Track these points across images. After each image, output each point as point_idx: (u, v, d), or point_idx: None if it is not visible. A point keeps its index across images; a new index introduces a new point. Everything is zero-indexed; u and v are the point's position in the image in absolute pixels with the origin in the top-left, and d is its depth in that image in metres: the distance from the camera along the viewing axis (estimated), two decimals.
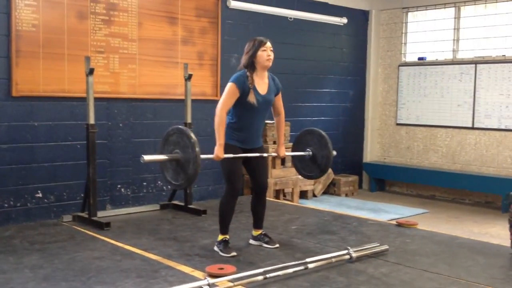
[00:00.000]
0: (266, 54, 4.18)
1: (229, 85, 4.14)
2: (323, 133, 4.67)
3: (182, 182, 3.91)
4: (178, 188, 3.88)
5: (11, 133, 5.26)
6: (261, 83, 4.23)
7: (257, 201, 4.46)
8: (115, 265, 3.96)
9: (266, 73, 4.29)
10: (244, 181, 6.36)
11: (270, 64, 4.23)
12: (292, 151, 4.85)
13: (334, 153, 4.68)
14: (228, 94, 4.12)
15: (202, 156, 3.89)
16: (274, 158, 7.03)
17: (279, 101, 4.45)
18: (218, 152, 4.06)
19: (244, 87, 4.13)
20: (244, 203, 5.71)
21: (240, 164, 4.26)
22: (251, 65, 4.20)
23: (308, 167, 4.76)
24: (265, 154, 4.40)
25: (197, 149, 3.78)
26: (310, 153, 4.68)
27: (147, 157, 3.90)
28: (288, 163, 7.34)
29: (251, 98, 4.14)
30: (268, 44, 4.22)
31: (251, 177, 4.43)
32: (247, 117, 4.20)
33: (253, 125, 4.26)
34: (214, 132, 4.26)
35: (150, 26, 6.14)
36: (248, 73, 4.18)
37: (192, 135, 3.86)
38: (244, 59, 4.24)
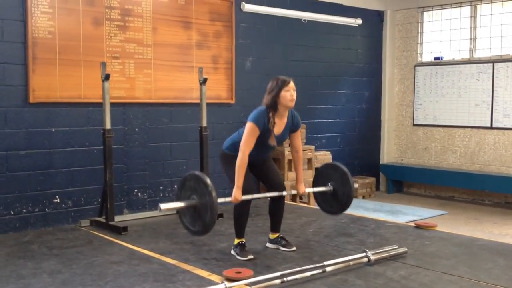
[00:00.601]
0: (289, 94, 4.13)
1: (250, 125, 4.09)
2: (345, 168, 4.56)
3: (199, 229, 3.86)
4: (196, 235, 3.86)
5: (28, 139, 5.31)
6: (279, 123, 4.22)
7: (276, 203, 4.44)
8: (132, 270, 3.97)
9: (287, 112, 4.25)
10: (257, 182, 6.34)
11: (293, 104, 4.19)
12: (313, 184, 4.75)
13: (356, 185, 4.63)
14: (250, 135, 4.09)
15: (220, 199, 3.87)
16: (290, 160, 7.01)
17: (297, 138, 4.43)
18: (236, 194, 4.05)
19: (264, 127, 4.12)
20: (261, 206, 5.71)
21: (248, 171, 4.22)
22: (274, 105, 4.16)
23: (329, 202, 4.66)
24: (284, 193, 4.38)
25: (214, 196, 3.74)
26: (331, 188, 4.58)
27: (164, 206, 3.81)
28: (305, 166, 7.31)
29: (272, 141, 4.21)
30: (291, 84, 4.17)
31: (266, 182, 4.41)
32: (257, 150, 4.18)
33: (262, 154, 4.27)
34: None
35: (164, 31, 6.17)
36: (270, 114, 4.14)
37: (209, 181, 3.81)
38: (266, 99, 4.17)
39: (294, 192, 4.55)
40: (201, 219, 3.82)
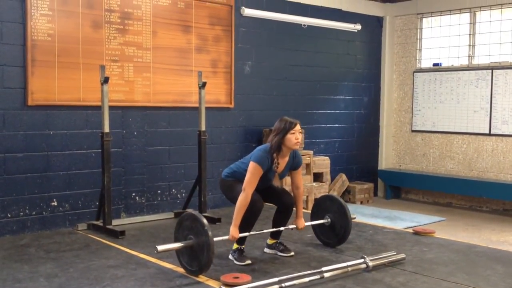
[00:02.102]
0: (295, 137, 4.15)
1: (254, 166, 4.09)
2: (343, 201, 4.66)
3: (197, 269, 3.86)
4: (194, 274, 3.86)
5: (26, 142, 5.29)
6: (281, 162, 4.24)
7: (282, 216, 4.46)
8: (129, 274, 3.95)
9: (290, 152, 4.27)
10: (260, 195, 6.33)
11: (298, 147, 4.24)
12: (312, 216, 4.81)
13: (354, 217, 4.71)
14: (254, 175, 4.09)
15: (217, 238, 3.90)
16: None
17: (298, 175, 4.45)
18: (234, 232, 4.06)
19: (267, 167, 4.14)
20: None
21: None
22: (278, 147, 4.17)
23: (327, 234, 4.72)
24: (282, 228, 4.42)
25: (210, 236, 3.74)
26: (329, 220, 4.64)
27: (161, 248, 3.82)
28: (303, 171, 7.30)
29: (272, 178, 4.26)
30: (298, 126, 4.18)
31: (274, 201, 4.43)
32: (258, 184, 4.17)
33: (260, 186, 4.24)
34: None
35: (164, 35, 6.17)
36: (274, 154, 4.15)
37: (205, 221, 3.82)
38: (272, 140, 4.17)
39: (293, 226, 4.52)
40: (199, 259, 3.82)
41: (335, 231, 4.64)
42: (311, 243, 4.85)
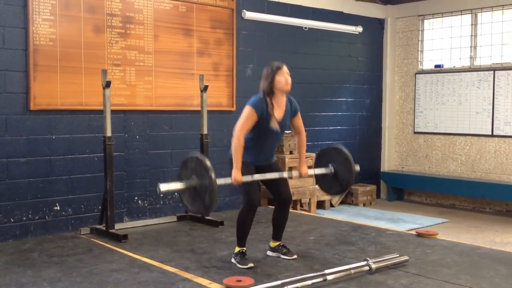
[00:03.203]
0: (284, 78, 4.19)
1: (247, 109, 4.13)
2: (345, 149, 4.62)
3: (198, 209, 3.89)
4: (195, 213, 3.87)
5: (29, 147, 5.30)
6: (278, 109, 4.24)
7: (280, 213, 4.43)
8: (132, 278, 3.95)
9: (284, 97, 4.28)
10: (260, 192, 6.33)
11: (289, 88, 4.24)
12: (315, 167, 4.76)
13: (357, 168, 4.63)
14: (246, 118, 4.11)
15: (220, 180, 3.89)
16: (290, 168, 7.00)
17: (298, 120, 4.45)
18: (236, 175, 4.05)
19: (262, 112, 4.13)
20: (261, 214, 5.69)
21: (254, 172, 4.22)
22: (270, 91, 4.20)
23: (330, 183, 4.69)
24: (285, 175, 4.38)
25: (213, 179, 3.75)
26: (332, 169, 4.61)
27: (163, 187, 3.86)
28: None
29: (274, 125, 4.19)
30: (285, 68, 4.23)
31: (274, 192, 4.41)
32: (261, 139, 4.21)
33: (267, 146, 4.27)
34: (229, 142, 4.27)
35: (166, 39, 6.18)
36: (267, 99, 4.18)
37: (209, 164, 3.83)
38: (263, 85, 4.24)
39: (296, 174, 4.50)
40: (201, 200, 3.84)
41: (338, 179, 4.59)
42: (314, 246, 4.85)
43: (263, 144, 4.25)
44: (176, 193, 6.27)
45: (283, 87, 4.19)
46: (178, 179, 4.02)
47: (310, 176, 4.69)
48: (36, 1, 5.25)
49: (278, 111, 4.23)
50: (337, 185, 4.64)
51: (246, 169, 4.14)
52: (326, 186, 4.74)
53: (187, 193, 3.96)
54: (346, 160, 4.55)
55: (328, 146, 4.87)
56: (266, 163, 4.32)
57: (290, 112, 4.34)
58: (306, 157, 4.58)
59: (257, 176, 4.19)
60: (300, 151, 4.51)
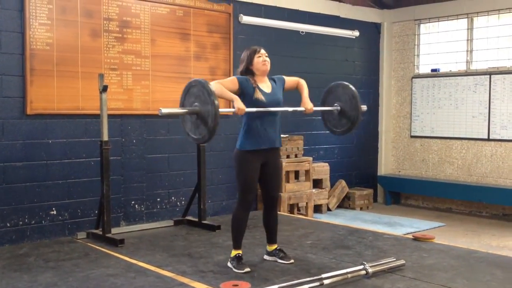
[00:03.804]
0: (262, 59, 4.24)
1: (232, 77, 4.27)
2: (351, 86, 4.62)
3: (200, 136, 3.90)
4: (196, 142, 3.82)
5: (25, 151, 5.30)
6: (264, 85, 4.29)
7: (269, 214, 4.42)
8: (129, 283, 3.94)
9: (266, 78, 4.33)
10: (256, 194, 6.33)
11: (267, 68, 4.28)
12: (321, 105, 4.75)
13: (364, 108, 4.60)
14: (227, 80, 4.22)
15: (222, 109, 3.87)
16: (287, 172, 7.00)
17: (290, 80, 4.49)
18: (238, 104, 4.03)
19: (247, 85, 4.18)
20: (258, 218, 5.67)
21: (258, 171, 4.22)
22: (250, 72, 4.26)
23: (336, 122, 4.69)
24: (290, 109, 4.35)
25: (216, 103, 3.74)
26: (338, 107, 4.60)
27: (165, 110, 3.85)
28: (302, 177, 7.30)
29: (258, 95, 4.18)
30: (263, 51, 4.29)
31: (263, 187, 4.39)
32: (260, 119, 4.18)
33: (266, 126, 4.22)
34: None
35: (162, 43, 6.18)
36: (249, 77, 4.24)
37: (212, 89, 3.81)
38: (240, 68, 4.31)
39: (301, 109, 4.43)
40: (204, 125, 3.83)
41: (346, 115, 4.58)
42: (311, 250, 4.84)
43: (262, 127, 4.20)
44: (174, 188, 6.29)
45: (261, 67, 4.23)
46: (181, 105, 4.01)
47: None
48: (33, 6, 5.25)
49: (265, 86, 4.27)
50: (344, 123, 4.63)
51: (251, 159, 4.15)
52: (332, 124, 4.74)
53: (189, 120, 3.94)
54: (353, 97, 4.54)
55: (332, 84, 4.80)
56: (270, 146, 4.24)
57: (279, 85, 4.38)
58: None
59: (261, 109, 4.14)
60: (302, 91, 4.48)
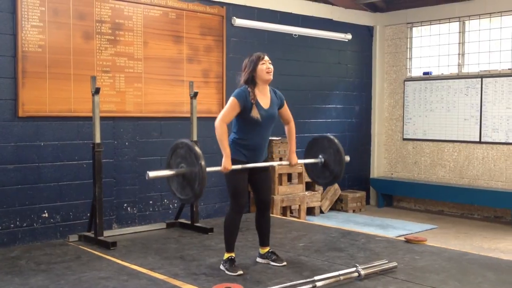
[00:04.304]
0: (266, 66, 4.19)
1: (231, 99, 4.15)
2: (336, 140, 4.62)
3: (187, 197, 3.89)
4: (183, 202, 3.84)
5: (17, 153, 5.27)
6: (263, 98, 4.23)
7: (261, 217, 4.43)
8: (121, 285, 3.93)
9: (267, 87, 4.29)
10: (249, 197, 6.34)
11: (271, 77, 4.23)
12: (305, 155, 4.76)
13: (348, 158, 4.63)
14: (229, 108, 4.13)
15: (209, 169, 3.87)
16: (280, 174, 7.01)
17: (286, 111, 4.46)
18: (226, 163, 4.04)
19: (246, 102, 4.13)
20: (251, 220, 5.67)
21: (246, 180, 4.24)
22: (252, 81, 4.20)
23: (319, 173, 4.70)
24: (276, 163, 4.38)
25: (203, 166, 3.74)
26: (322, 160, 4.62)
27: (152, 173, 3.86)
28: (295, 179, 7.31)
29: (255, 114, 4.14)
30: (266, 57, 4.24)
31: (255, 192, 4.41)
32: (252, 133, 4.19)
33: (258, 140, 4.24)
34: (219, 149, 4.28)
35: (155, 45, 6.18)
36: (249, 89, 4.18)
37: (199, 151, 3.81)
38: (243, 76, 4.23)
39: (286, 163, 4.49)
40: (190, 187, 3.82)
41: (329, 168, 4.59)
42: (304, 253, 4.85)
43: (254, 141, 4.21)
44: (167, 191, 6.29)
45: (265, 76, 4.18)
46: (167, 166, 3.99)
47: (300, 165, 4.64)
48: (25, 8, 5.24)
49: (264, 100, 4.22)
50: (327, 175, 4.65)
51: (238, 175, 4.15)
52: (315, 175, 4.75)
53: (176, 180, 3.93)
54: (337, 151, 4.55)
55: (318, 136, 4.83)
56: (258, 161, 4.28)
57: (277, 101, 4.34)
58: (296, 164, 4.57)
59: (248, 165, 4.17)
60: (290, 140, 4.51)
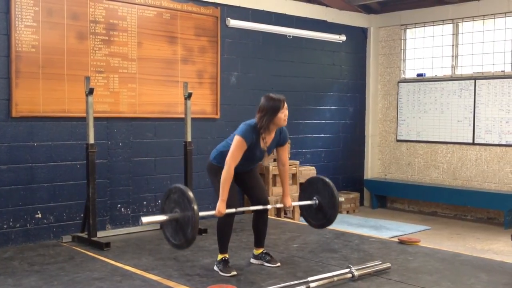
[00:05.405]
0: (284, 115, 4.17)
1: (238, 140, 4.09)
2: (329, 180, 4.63)
3: (180, 243, 3.86)
4: (177, 248, 3.84)
5: (10, 154, 5.25)
6: (267, 137, 4.25)
7: (259, 218, 4.43)
8: (115, 286, 3.92)
9: (275, 128, 4.28)
10: (241, 197, 6.33)
11: (286, 123, 4.24)
12: (299, 198, 4.81)
13: (342, 199, 4.68)
14: (237, 149, 4.09)
15: (202, 213, 3.87)
16: (274, 175, 7.02)
17: (284, 152, 4.45)
18: (220, 207, 4.04)
19: (252, 141, 4.13)
20: (245, 221, 5.69)
21: (234, 184, 4.23)
22: (267, 127, 4.16)
23: (313, 215, 4.71)
24: (269, 206, 4.39)
25: (195, 210, 3.72)
26: (317, 201, 4.63)
27: (145, 219, 3.80)
28: (289, 181, 7.30)
29: (253, 151, 4.18)
30: (285, 104, 4.20)
31: (250, 196, 4.41)
32: (243, 159, 4.17)
33: (247, 165, 4.27)
34: (213, 150, 4.29)
35: (149, 46, 6.17)
36: (261, 131, 4.15)
37: (192, 196, 3.81)
38: (260, 120, 4.13)
39: (280, 205, 4.54)
40: (183, 233, 3.80)
41: (323, 211, 4.59)
42: (298, 253, 4.85)
43: (245, 164, 4.24)
44: (160, 192, 6.28)
45: (281, 123, 4.20)
46: (161, 211, 3.99)
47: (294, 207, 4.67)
48: (19, 8, 5.22)
49: (267, 139, 4.24)
50: (321, 218, 4.66)
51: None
52: (309, 215, 4.76)
53: (170, 225, 3.91)
54: (332, 195, 4.56)
55: (313, 176, 4.89)
56: (247, 170, 4.33)
57: (278, 140, 4.34)
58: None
59: (241, 209, 4.23)
60: (284, 182, 4.52)
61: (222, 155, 4.22)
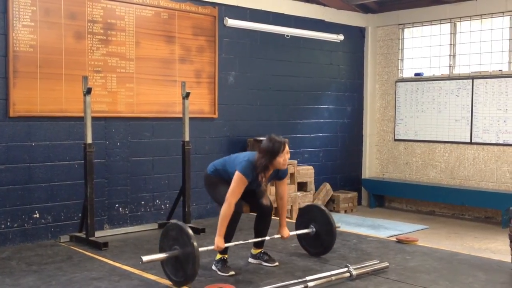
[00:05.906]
0: (283, 159, 4.16)
1: (239, 177, 4.09)
2: (324, 208, 4.69)
3: (181, 279, 3.84)
4: (178, 285, 3.84)
5: (8, 154, 5.24)
6: (266, 174, 4.25)
7: (262, 222, 4.46)
8: (112, 286, 3.92)
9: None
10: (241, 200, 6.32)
11: (286, 166, 4.24)
12: (296, 226, 4.83)
13: (339, 225, 4.72)
14: (238, 186, 4.09)
15: (202, 249, 3.87)
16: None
17: (283, 185, 4.47)
18: (219, 242, 4.06)
19: (252, 178, 4.14)
20: (243, 221, 5.67)
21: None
22: (266, 168, 4.16)
23: (311, 242, 4.74)
24: (267, 238, 4.41)
25: (195, 246, 3.72)
26: (314, 230, 4.66)
27: (145, 258, 3.79)
28: (287, 180, 7.31)
29: (251, 186, 4.20)
30: (287, 148, 4.18)
31: (252, 203, 4.41)
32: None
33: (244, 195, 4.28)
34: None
35: (147, 45, 6.17)
36: (260, 170, 4.13)
37: (190, 231, 3.81)
38: (260, 161, 4.11)
39: (278, 236, 4.54)
40: (183, 270, 3.80)
41: (320, 239, 4.65)
42: (296, 253, 4.85)
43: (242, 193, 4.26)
44: (158, 191, 6.28)
45: (280, 167, 4.20)
46: (160, 249, 3.98)
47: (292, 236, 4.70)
48: (16, 7, 5.21)
49: (267, 175, 4.25)
50: (318, 245, 4.70)
51: (221, 190, 4.21)
52: (307, 243, 4.79)
53: (170, 263, 3.90)
54: (329, 223, 4.59)
55: (310, 204, 4.98)
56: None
57: (277, 175, 4.35)
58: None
59: (238, 242, 4.30)
60: (281, 215, 4.53)
61: (218, 171, 4.33)
